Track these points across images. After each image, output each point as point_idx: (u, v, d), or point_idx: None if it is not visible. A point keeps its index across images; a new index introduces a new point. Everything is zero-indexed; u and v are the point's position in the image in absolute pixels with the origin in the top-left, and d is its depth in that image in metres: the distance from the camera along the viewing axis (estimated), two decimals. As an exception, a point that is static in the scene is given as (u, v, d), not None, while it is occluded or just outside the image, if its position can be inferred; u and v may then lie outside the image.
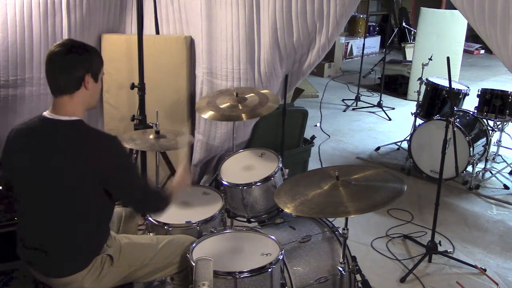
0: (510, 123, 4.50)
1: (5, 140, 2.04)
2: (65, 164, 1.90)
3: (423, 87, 4.77)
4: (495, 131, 4.50)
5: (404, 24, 9.78)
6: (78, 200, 1.93)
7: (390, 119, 6.28)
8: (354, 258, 2.45)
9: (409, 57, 7.97)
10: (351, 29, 9.95)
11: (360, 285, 2.44)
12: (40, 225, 1.98)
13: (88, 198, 1.94)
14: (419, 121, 4.72)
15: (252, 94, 3.16)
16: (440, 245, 3.38)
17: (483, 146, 4.49)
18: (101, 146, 1.93)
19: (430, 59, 4.84)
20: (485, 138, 4.50)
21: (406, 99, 7.08)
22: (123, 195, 2.07)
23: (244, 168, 2.91)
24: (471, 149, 4.20)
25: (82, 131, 1.95)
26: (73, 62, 1.92)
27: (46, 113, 1.97)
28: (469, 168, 4.39)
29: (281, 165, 2.81)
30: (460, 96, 4.68)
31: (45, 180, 1.93)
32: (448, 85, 3.35)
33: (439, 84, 4.66)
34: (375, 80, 7.90)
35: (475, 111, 4.44)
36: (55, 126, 1.94)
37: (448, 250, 3.44)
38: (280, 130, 3.76)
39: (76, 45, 1.96)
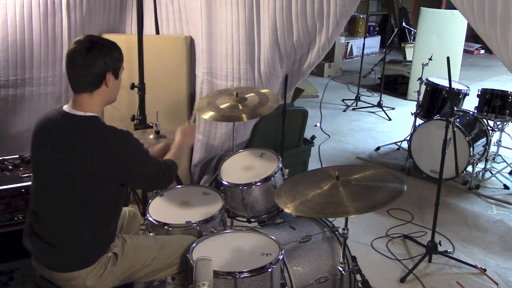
0: (510, 123, 4.50)
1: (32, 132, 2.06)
2: (78, 160, 1.90)
3: (423, 87, 4.77)
4: (495, 131, 4.50)
5: (404, 24, 9.78)
6: (89, 195, 1.93)
7: (390, 119, 6.28)
8: (354, 258, 2.45)
9: (409, 57, 7.96)
10: (351, 29, 9.94)
11: (360, 285, 2.44)
12: (53, 219, 1.98)
13: (99, 194, 1.94)
14: (419, 121, 4.72)
15: (252, 94, 3.15)
16: (440, 245, 3.38)
17: (483, 146, 4.49)
18: (116, 143, 1.92)
19: (430, 59, 4.83)
20: (485, 138, 4.50)
21: (406, 99, 7.08)
22: (138, 184, 2.25)
23: (244, 168, 2.90)
24: (471, 149, 4.20)
25: (97, 128, 1.95)
26: (94, 60, 1.91)
27: (65, 107, 1.98)
28: (469, 168, 4.39)
29: (281, 165, 2.80)
30: (460, 96, 4.68)
31: (59, 174, 1.93)
32: (448, 85, 3.34)
33: (439, 84, 4.66)
34: (375, 80, 7.90)
35: (475, 111, 4.44)
36: (71, 121, 1.94)
37: (448, 250, 3.44)
38: (280, 130, 3.76)
39: (96, 42, 1.94)
